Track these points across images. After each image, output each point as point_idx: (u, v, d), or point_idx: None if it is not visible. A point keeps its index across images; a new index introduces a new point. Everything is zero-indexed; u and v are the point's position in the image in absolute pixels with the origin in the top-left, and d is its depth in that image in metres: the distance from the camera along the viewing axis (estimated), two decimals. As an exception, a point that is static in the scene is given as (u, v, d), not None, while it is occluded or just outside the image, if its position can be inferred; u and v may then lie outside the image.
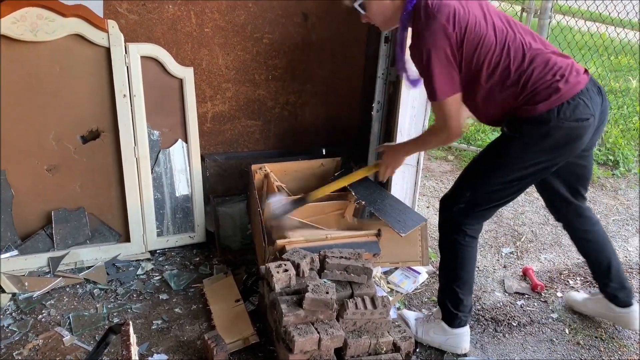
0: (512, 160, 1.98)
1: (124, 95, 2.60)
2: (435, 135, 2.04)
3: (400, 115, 2.75)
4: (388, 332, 2.11)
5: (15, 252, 2.58)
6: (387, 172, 2.37)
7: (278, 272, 2.12)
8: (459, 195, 2.11)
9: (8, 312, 2.35)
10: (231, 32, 2.84)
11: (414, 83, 2.20)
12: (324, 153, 3.18)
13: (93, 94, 2.57)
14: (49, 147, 2.55)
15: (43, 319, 2.32)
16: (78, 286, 2.54)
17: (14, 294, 2.44)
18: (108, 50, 2.53)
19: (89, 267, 2.65)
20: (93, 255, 2.70)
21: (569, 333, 2.48)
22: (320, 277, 2.19)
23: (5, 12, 2.36)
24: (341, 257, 2.23)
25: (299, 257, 2.22)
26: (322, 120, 3.23)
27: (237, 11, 2.81)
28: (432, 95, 1.91)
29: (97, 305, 2.42)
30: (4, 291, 2.45)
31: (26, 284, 2.50)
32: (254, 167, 2.84)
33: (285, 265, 2.17)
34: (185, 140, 2.82)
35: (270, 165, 2.86)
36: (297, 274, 2.17)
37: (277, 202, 2.51)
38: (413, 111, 2.78)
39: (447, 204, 2.16)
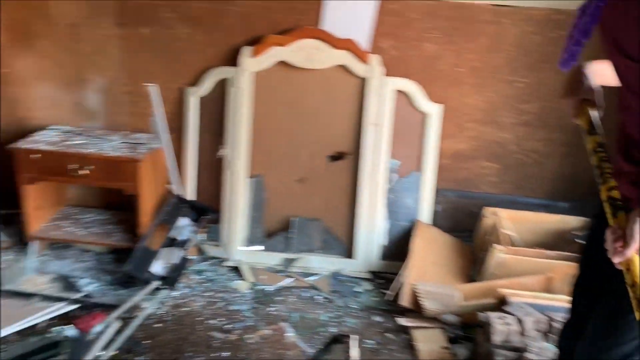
0: None
1: (373, 124, 2.79)
2: None
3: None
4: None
5: (262, 247, 2.95)
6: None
7: (499, 324, 2.04)
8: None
9: (245, 299, 2.67)
10: (485, 72, 2.84)
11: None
12: (565, 207, 2.96)
13: (345, 119, 2.82)
14: (302, 161, 2.87)
15: (273, 312, 2.59)
16: (303, 289, 2.78)
17: (253, 284, 2.78)
18: (366, 81, 2.75)
19: (313, 274, 2.88)
20: (320, 264, 2.93)
21: None
22: (546, 341, 2.04)
23: (287, 41, 2.74)
24: (572, 324, 2.04)
25: (523, 313, 2.11)
26: (567, 172, 3.01)
27: (496, 54, 2.80)
28: None
29: (318, 312, 2.61)
30: (244, 279, 2.81)
31: (263, 277, 2.83)
32: (486, 209, 2.78)
33: (507, 318, 2.08)
34: (421, 173, 2.90)
35: (503, 211, 2.77)
36: (519, 331, 2.06)
37: None
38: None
39: None
